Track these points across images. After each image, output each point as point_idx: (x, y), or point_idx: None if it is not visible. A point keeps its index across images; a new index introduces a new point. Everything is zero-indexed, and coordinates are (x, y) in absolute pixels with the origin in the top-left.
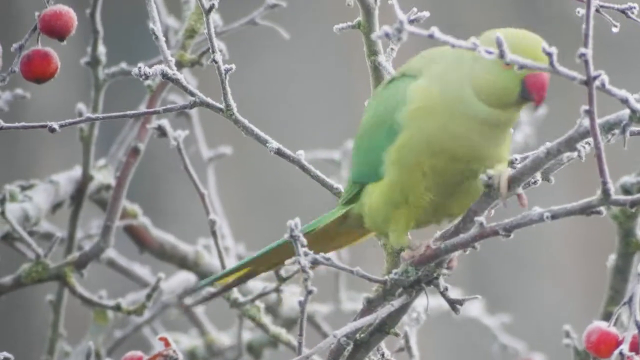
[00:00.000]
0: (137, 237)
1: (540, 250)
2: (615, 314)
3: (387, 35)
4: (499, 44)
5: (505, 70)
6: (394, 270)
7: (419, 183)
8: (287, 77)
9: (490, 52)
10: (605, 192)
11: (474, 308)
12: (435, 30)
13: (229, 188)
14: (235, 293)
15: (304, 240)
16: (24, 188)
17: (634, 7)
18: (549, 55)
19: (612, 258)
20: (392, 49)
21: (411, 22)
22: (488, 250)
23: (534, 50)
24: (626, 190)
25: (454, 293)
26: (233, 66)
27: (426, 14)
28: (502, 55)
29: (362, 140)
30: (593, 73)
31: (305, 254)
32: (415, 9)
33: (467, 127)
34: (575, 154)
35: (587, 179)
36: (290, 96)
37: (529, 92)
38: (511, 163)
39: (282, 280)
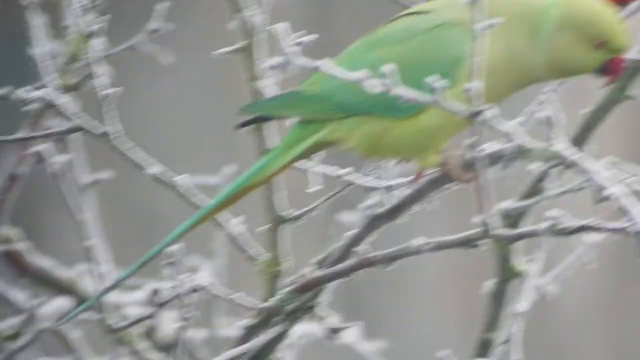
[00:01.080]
0: (16, 263)
1: (417, 275)
2: (492, 352)
3: (276, 66)
4: (390, 75)
5: (596, 50)
6: (272, 298)
7: (453, 129)
8: (169, 102)
9: (378, 86)
10: (487, 227)
11: (350, 334)
12: (324, 62)
13: (109, 213)
14: (111, 319)
15: (185, 267)
16: None
17: None
18: (436, 89)
19: (488, 284)
20: (273, 73)
21: (295, 45)
22: (364, 276)
23: (614, 22)
24: (504, 216)
25: (332, 320)
26: (115, 91)
27: (309, 38)
28: (388, 88)
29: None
30: (479, 107)
31: (185, 282)
32: (299, 33)
33: (517, 87)
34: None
35: (466, 200)
36: (171, 121)
37: (610, 72)
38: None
39: (158, 306)
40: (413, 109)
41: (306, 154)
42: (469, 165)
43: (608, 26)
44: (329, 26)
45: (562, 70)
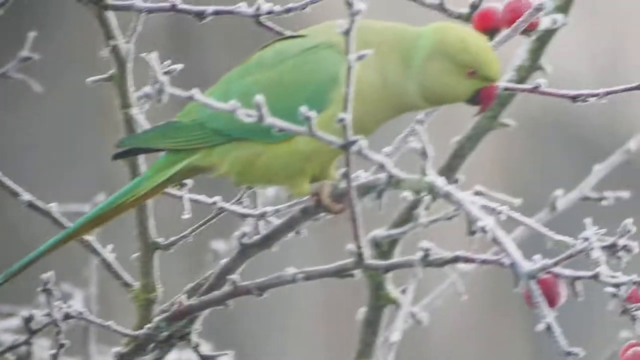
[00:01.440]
0: None
1: (289, 302)
2: None
3: (147, 95)
4: (258, 107)
5: (467, 79)
6: (147, 325)
7: (326, 155)
8: (41, 129)
9: (250, 116)
10: (360, 256)
11: None
12: (196, 92)
13: None
14: None
15: (59, 294)
16: None
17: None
18: (308, 119)
19: (362, 311)
20: (144, 101)
21: (166, 74)
22: (238, 304)
23: (485, 51)
24: (376, 244)
25: (206, 348)
26: None
27: (180, 66)
28: (260, 118)
29: (269, 94)
30: (351, 137)
31: (59, 308)
32: (169, 61)
33: (391, 114)
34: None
35: (337, 229)
36: (44, 148)
37: (481, 101)
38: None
39: (32, 332)
40: (286, 134)
41: (176, 179)
42: (341, 195)
43: (478, 55)
44: (193, 55)
45: (434, 99)
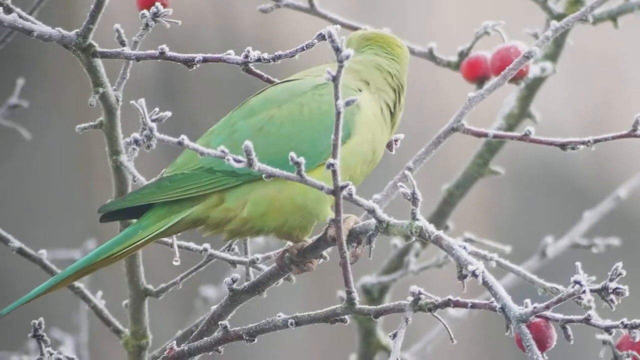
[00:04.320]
0: None
1: (279, 349)
2: None
3: (136, 142)
4: (248, 153)
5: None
6: None
7: (363, 167)
8: (30, 177)
9: (239, 161)
10: (350, 301)
11: None
12: (185, 137)
13: None
14: None
15: (48, 340)
16: None
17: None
18: (297, 164)
19: (352, 358)
20: (134, 148)
21: (154, 121)
22: (227, 350)
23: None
24: (367, 291)
25: None
26: None
27: (168, 113)
28: (250, 163)
29: (287, 127)
30: (341, 183)
31: (50, 354)
32: (157, 109)
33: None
34: (321, 260)
35: (328, 278)
36: (33, 195)
37: None
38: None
39: None
40: (311, 165)
41: (173, 231)
42: (355, 236)
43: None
44: (181, 102)
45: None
